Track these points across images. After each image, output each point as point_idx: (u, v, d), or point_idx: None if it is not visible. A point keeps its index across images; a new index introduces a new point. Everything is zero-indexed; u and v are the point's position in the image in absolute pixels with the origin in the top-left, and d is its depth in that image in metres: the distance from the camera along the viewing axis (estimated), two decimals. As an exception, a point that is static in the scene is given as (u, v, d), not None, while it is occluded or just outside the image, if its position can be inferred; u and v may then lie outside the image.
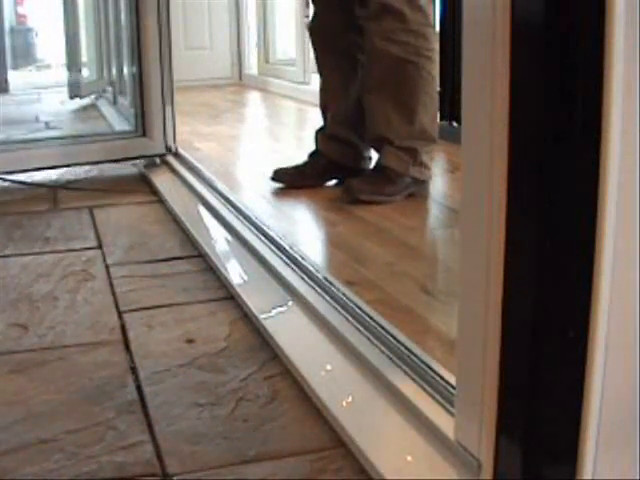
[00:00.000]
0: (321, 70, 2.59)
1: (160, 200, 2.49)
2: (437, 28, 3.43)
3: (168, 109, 2.87)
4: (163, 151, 2.89)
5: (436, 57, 2.34)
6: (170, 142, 2.90)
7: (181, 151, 2.89)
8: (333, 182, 2.54)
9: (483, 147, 0.83)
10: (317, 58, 2.59)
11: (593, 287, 0.75)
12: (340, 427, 1.11)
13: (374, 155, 2.48)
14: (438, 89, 2.50)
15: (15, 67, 8.05)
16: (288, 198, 2.50)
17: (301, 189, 2.48)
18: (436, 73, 2.37)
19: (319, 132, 2.58)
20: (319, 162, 2.54)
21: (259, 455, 1.08)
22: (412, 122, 2.32)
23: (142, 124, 2.89)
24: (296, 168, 2.55)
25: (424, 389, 1.11)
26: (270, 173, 2.54)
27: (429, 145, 2.37)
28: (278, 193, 2.51)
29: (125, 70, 3.59)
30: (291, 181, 2.51)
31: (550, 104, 0.75)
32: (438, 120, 2.80)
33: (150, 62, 2.80)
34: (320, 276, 1.57)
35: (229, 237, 2.01)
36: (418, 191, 2.38)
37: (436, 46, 2.35)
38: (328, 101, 2.55)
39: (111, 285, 1.74)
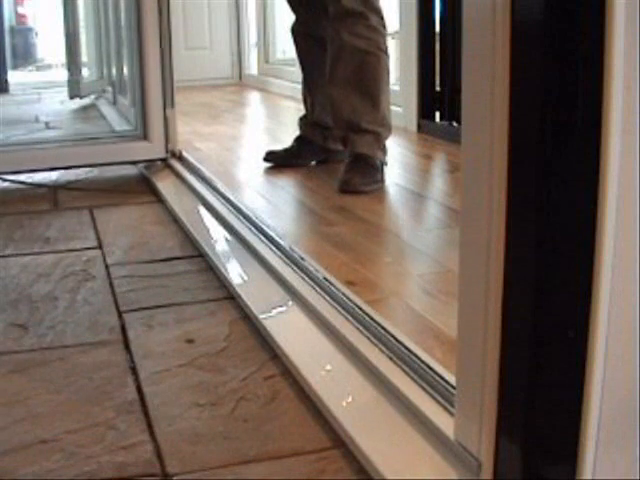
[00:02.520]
0: (304, 65, 2.89)
1: (160, 200, 2.49)
2: (437, 28, 3.47)
3: (170, 111, 2.81)
4: (164, 155, 2.82)
5: (389, 53, 2.65)
6: (173, 145, 2.85)
7: (185, 154, 2.85)
8: (313, 163, 2.85)
9: (483, 147, 0.83)
10: (300, 54, 2.90)
11: (593, 287, 0.74)
12: (340, 427, 1.11)
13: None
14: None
15: (15, 67, 8.05)
16: (288, 198, 2.50)
17: (292, 168, 2.80)
18: (390, 68, 2.65)
19: (302, 119, 2.90)
20: (304, 145, 2.87)
21: (259, 455, 1.08)
22: (376, 108, 2.58)
23: (143, 127, 2.83)
24: (285, 151, 2.88)
25: (424, 389, 1.11)
26: (263, 155, 2.89)
27: (388, 132, 2.63)
28: (278, 193, 2.52)
29: (125, 71, 3.57)
30: (281, 161, 2.84)
31: (550, 104, 0.75)
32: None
33: (150, 64, 2.74)
34: (320, 276, 1.57)
35: (229, 237, 2.01)
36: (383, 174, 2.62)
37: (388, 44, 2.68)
38: (310, 91, 2.84)
39: (111, 285, 1.74)
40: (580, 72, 0.73)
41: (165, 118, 2.80)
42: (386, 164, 2.61)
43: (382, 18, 2.60)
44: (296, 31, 2.86)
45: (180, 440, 1.12)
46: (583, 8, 0.72)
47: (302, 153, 2.86)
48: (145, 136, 2.82)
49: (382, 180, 2.55)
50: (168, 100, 2.80)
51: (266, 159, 2.88)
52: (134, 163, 2.88)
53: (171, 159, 2.83)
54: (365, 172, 2.51)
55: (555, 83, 0.74)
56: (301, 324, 1.46)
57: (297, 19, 2.85)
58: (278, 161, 2.85)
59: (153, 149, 2.81)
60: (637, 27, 0.70)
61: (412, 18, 3.56)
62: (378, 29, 2.58)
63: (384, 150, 2.61)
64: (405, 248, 2.00)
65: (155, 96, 2.78)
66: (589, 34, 0.71)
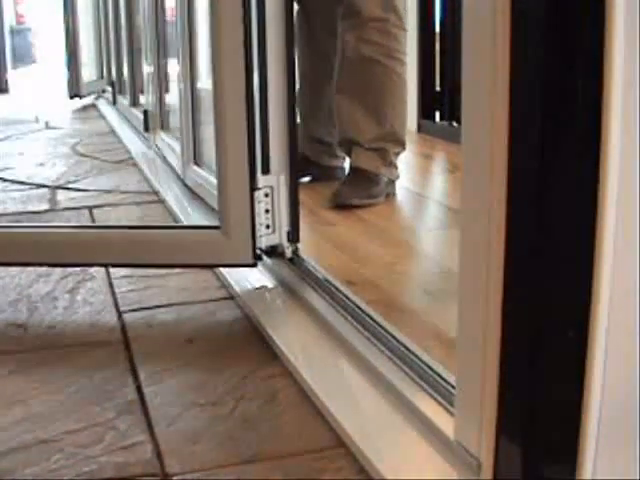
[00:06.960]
0: (300, 72, 2.57)
1: (160, 200, 2.48)
2: (437, 28, 3.47)
3: (271, 180, 1.64)
4: (250, 260, 1.57)
5: (406, 60, 2.37)
6: (277, 238, 1.68)
7: (305, 258, 1.68)
8: (307, 179, 2.57)
9: (483, 147, 0.83)
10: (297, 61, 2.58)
11: (593, 287, 0.75)
12: (340, 427, 1.11)
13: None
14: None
15: (15, 67, 8.06)
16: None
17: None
18: (406, 77, 2.38)
19: None
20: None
21: (259, 455, 1.08)
22: (381, 124, 2.35)
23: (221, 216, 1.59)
24: None
25: (424, 389, 1.11)
26: None
27: (398, 148, 2.40)
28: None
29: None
30: None
31: (550, 104, 0.75)
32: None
33: (229, 115, 1.54)
34: (320, 276, 1.57)
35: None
36: (391, 190, 2.41)
37: (406, 49, 2.37)
38: (304, 102, 2.57)
39: (111, 285, 1.74)
40: (580, 72, 0.73)
41: (252, 197, 1.56)
42: (396, 179, 2.41)
43: (400, 18, 2.32)
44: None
45: (180, 440, 1.11)
46: (583, 8, 0.72)
47: None
48: (222, 227, 1.59)
49: (381, 195, 2.34)
50: (257, 166, 1.60)
51: None
52: (201, 267, 1.78)
53: (274, 259, 1.69)
54: (359, 185, 2.32)
55: (555, 83, 0.74)
56: (301, 324, 1.46)
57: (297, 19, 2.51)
58: None
59: (231, 248, 1.59)
60: (637, 26, 0.70)
61: (412, 18, 3.56)
62: (391, 33, 2.31)
63: (391, 166, 2.38)
64: (405, 248, 2.00)
65: (235, 163, 1.55)
66: (589, 34, 0.71)
